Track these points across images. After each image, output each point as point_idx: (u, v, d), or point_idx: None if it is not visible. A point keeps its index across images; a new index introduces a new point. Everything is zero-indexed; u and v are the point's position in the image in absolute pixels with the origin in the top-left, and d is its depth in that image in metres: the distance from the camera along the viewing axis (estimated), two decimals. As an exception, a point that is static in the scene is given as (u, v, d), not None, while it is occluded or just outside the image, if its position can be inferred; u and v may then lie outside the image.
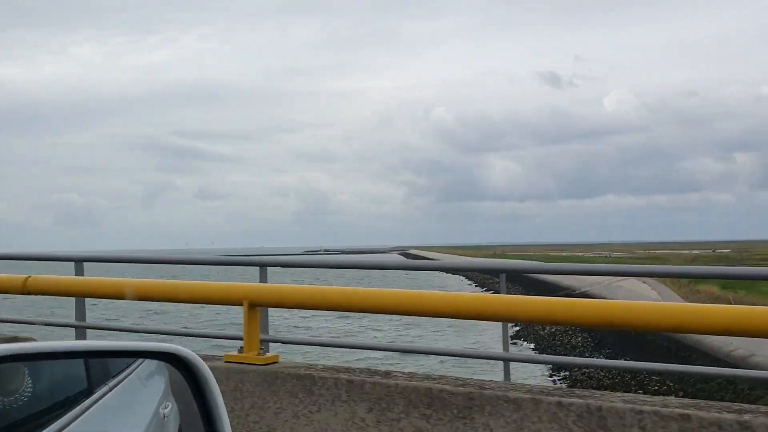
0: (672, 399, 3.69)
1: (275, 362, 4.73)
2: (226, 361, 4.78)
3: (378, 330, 28.85)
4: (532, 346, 30.62)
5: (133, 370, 1.89)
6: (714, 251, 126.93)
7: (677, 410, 3.43)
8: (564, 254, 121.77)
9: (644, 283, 39.53)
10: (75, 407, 1.63)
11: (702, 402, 3.62)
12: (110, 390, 1.77)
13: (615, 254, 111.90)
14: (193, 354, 1.66)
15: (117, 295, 5.83)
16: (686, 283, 37.76)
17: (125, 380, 1.84)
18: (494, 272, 6.15)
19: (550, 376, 23.85)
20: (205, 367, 1.65)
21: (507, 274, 5.40)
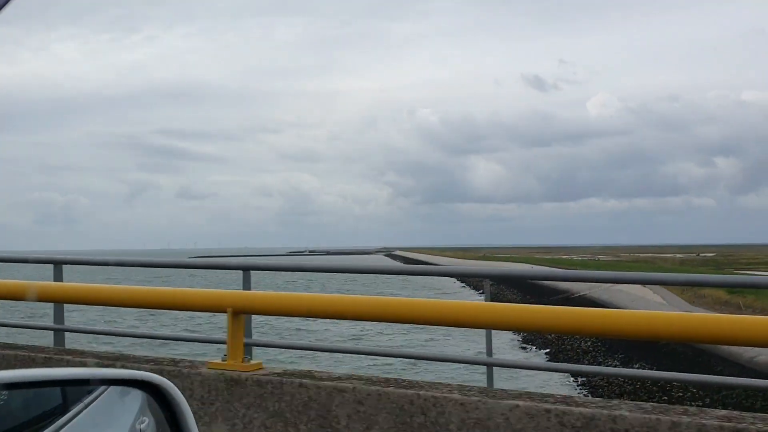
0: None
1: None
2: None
3: (382, 333, 28.05)
4: (546, 350, 28.57)
5: (108, 388, 1.91)
6: (698, 255, 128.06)
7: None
8: (548, 257, 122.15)
9: (646, 286, 37.70)
10: (49, 426, 1.65)
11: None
12: (85, 407, 1.79)
13: (600, 257, 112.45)
14: (165, 380, 1.69)
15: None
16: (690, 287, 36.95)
17: (101, 397, 1.86)
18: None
19: (575, 381, 22.11)
20: (177, 393, 1.67)
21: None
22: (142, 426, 2.06)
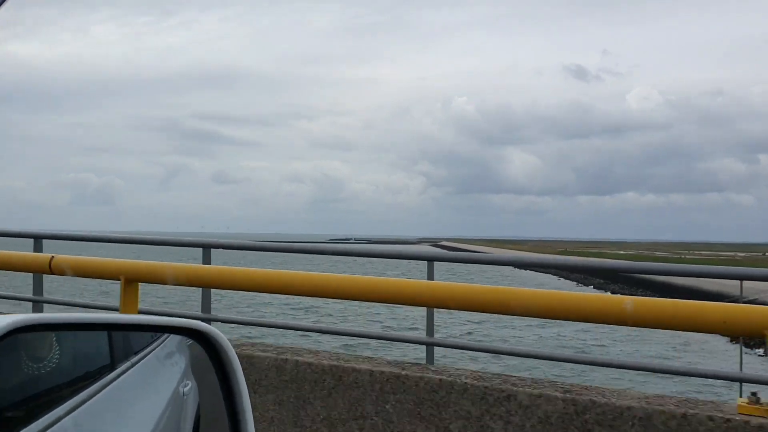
0: None
1: None
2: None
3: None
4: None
5: (155, 348, 1.98)
6: (765, 254, 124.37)
7: None
8: (594, 251, 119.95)
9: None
10: (97, 381, 1.72)
11: None
12: (132, 366, 1.86)
13: (658, 254, 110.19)
14: (219, 333, 1.74)
15: None
16: None
17: (147, 357, 1.93)
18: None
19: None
20: (229, 347, 1.73)
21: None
22: (185, 389, 2.14)
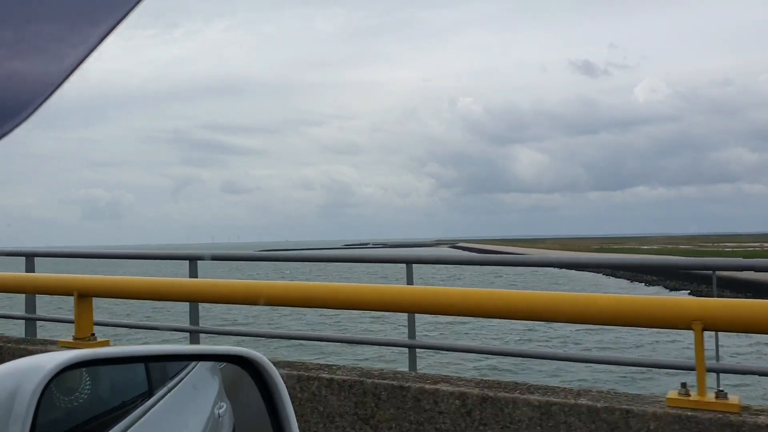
0: None
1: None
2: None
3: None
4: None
5: (189, 372, 2.03)
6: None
7: None
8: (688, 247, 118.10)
9: None
10: (136, 409, 1.77)
11: None
12: (169, 391, 1.91)
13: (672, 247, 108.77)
14: (262, 356, 1.78)
15: None
16: None
17: (183, 381, 1.98)
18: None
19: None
20: (273, 370, 1.77)
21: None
22: (220, 411, 2.19)
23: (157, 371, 1.90)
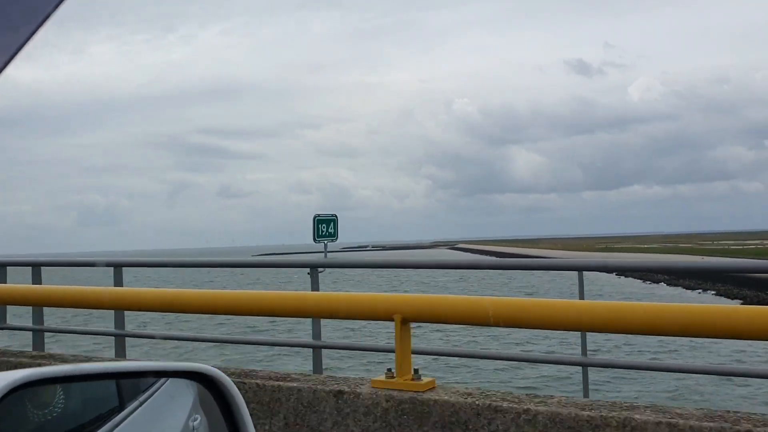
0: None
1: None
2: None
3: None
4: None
5: (162, 385, 2.05)
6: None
7: None
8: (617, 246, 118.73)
9: None
10: (107, 423, 1.80)
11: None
12: (140, 405, 1.94)
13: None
14: (220, 373, 1.81)
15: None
16: None
17: (155, 395, 2.00)
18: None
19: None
20: (232, 386, 1.79)
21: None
22: (195, 423, 2.21)
23: (129, 385, 1.92)
